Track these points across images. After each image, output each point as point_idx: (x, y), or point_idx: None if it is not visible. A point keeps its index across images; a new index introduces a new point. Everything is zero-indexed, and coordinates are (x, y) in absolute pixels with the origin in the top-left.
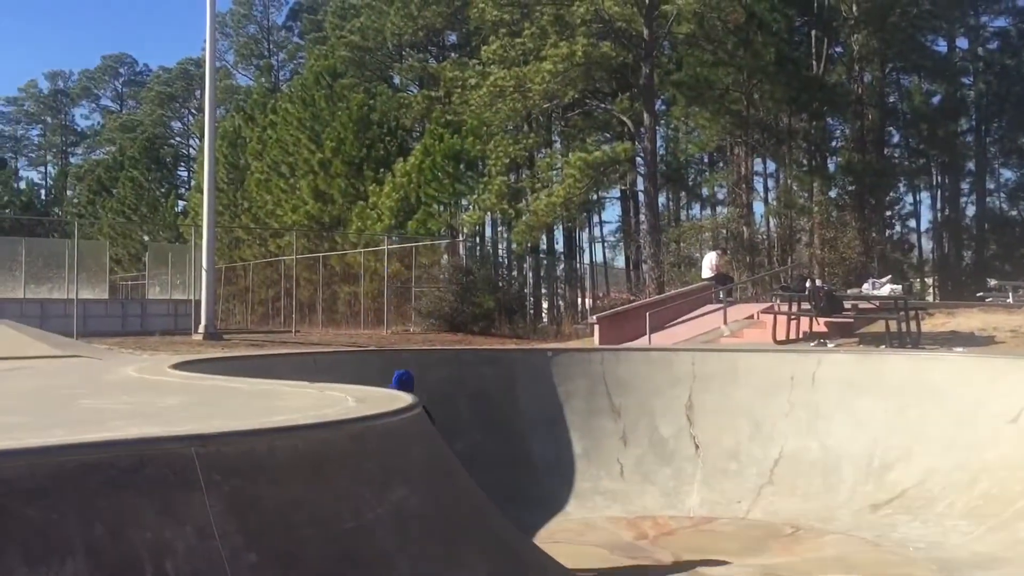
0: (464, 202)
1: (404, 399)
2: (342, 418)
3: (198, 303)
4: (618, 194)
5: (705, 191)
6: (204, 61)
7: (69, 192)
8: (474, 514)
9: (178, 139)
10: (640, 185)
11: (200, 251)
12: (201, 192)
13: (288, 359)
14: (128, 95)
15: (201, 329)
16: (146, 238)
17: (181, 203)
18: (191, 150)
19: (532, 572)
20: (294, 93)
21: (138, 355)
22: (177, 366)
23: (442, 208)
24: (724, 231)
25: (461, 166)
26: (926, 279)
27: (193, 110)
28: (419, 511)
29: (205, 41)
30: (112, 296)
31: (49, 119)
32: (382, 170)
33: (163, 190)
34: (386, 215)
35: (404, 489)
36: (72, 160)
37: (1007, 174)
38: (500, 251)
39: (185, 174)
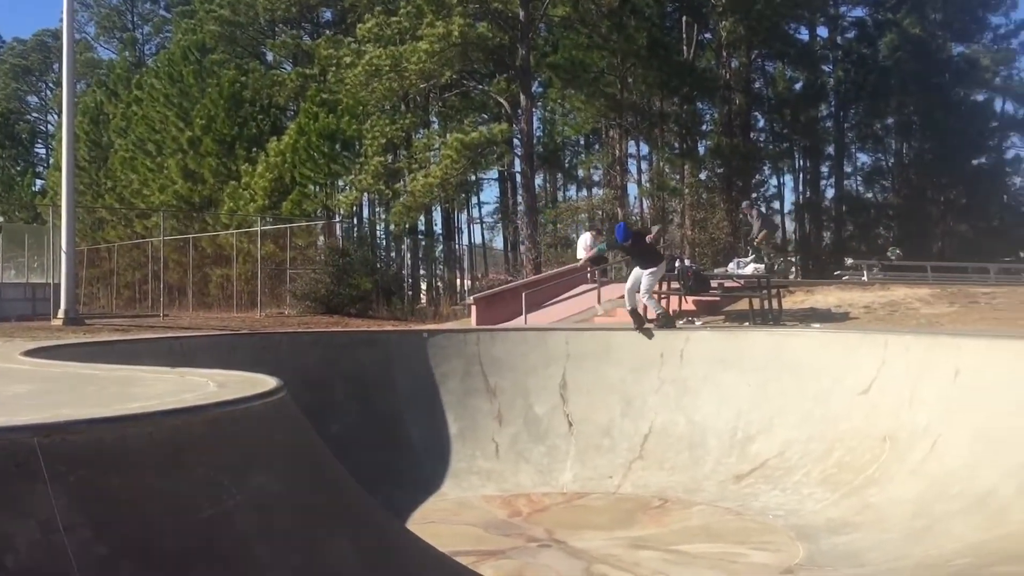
0: (340, 182)
1: (268, 383)
2: (199, 404)
3: (57, 286)
4: (496, 175)
5: (581, 172)
6: (62, 32)
7: None
8: (341, 499)
9: (35, 115)
10: (517, 166)
11: (59, 232)
12: (60, 170)
13: (153, 344)
14: None
15: (61, 314)
16: (0, 218)
17: (39, 182)
18: (49, 126)
19: (400, 554)
20: (160, 68)
21: None
22: (30, 352)
23: (318, 188)
24: (599, 212)
25: (337, 146)
26: (790, 258)
27: (51, 84)
28: (282, 497)
29: (63, 11)
30: None
31: None
32: (255, 149)
33: (19, 168)
34: (259, 195)
35: (266, 475)
36: None
37: (863, 158)
38: (378, 232)
39: (43, 151)
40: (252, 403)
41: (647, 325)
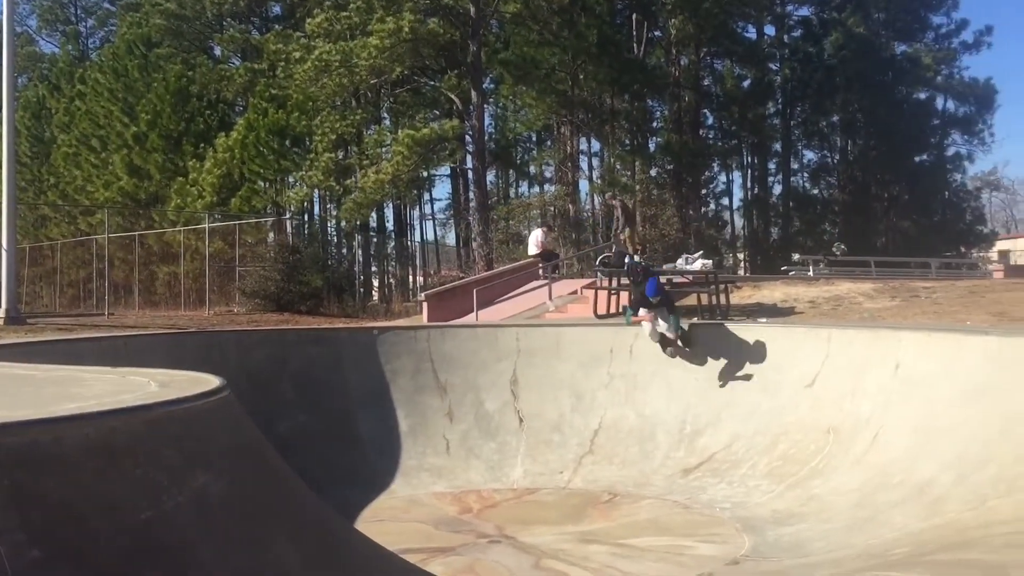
0: (290, 179)
1: (211, 382)
2: (137, 404)
3: None
4: (448, 172)
5: (532, 169)
6: (1, 26)
7: None
8: (285, 498)
9: None
10: (469, 163)
11: None
12: None
13: (97, 343)
14: None
15: (2, 313)
16: None
17: None
18: None
19: (346, 553)
20: (105, 63)
21: None
22: None
23: (267, 185)
24: (551, 208)
25: (287, 142)
26: (738, 254)
27: None
28: (224, 497)
29: (2, 4)
30: None
31: None
32: (202, 145)
33: None
34: (207, 192)
35: (207, 475)
36: None
37: (809, 155)
38: (329, 229)
39: None
40: (193, 403)
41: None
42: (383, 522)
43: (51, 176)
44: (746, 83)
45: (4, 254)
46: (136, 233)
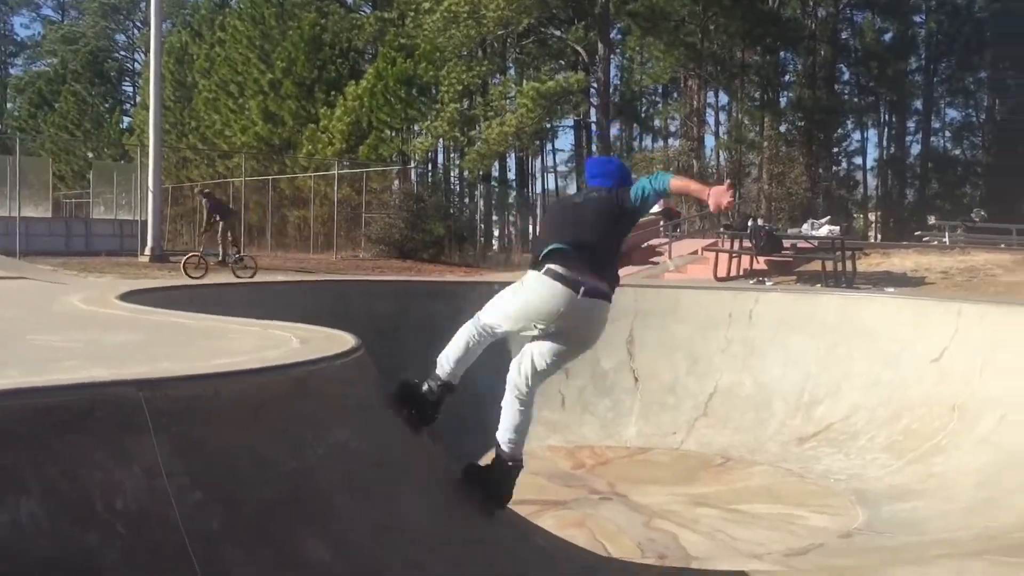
0: (416, 128)
1: (346, 341)
2: (285, 363)
3: (144, 224)
4: (571, 123)
5: (657, 123)
6: None
7: (9, 105)
8: (413, 454)
9: (123, 53)
10: (593, 116)
11: (146, 170)
12: (147, 109)
13: (237, 290)
14: (70, 4)
15: (148, 251)
16: (90, 155)
17: (126, 119)
18: (136, 65)
19: (467, 509)
20: (243, 10)
21: (83, 278)
22: (124, 296)
23: (394, 134)
24: (675, 163)
25: (414, 91)
26: (869, 216)
27: (138, 23)
28: (360, 452)
29: None
30: (55, 214)
31: None
32: (333, 93)
33: (107, 106)
34: (337, 139)
35: (344, 430)
36: (11, 72)
37: (952, 114)
38: (452, 178)
39: (130, 90)
40: (333, 362)
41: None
42: None
43: (192, 120)
44: (887, 36)
45: (151, 196)
46: (270, 177)
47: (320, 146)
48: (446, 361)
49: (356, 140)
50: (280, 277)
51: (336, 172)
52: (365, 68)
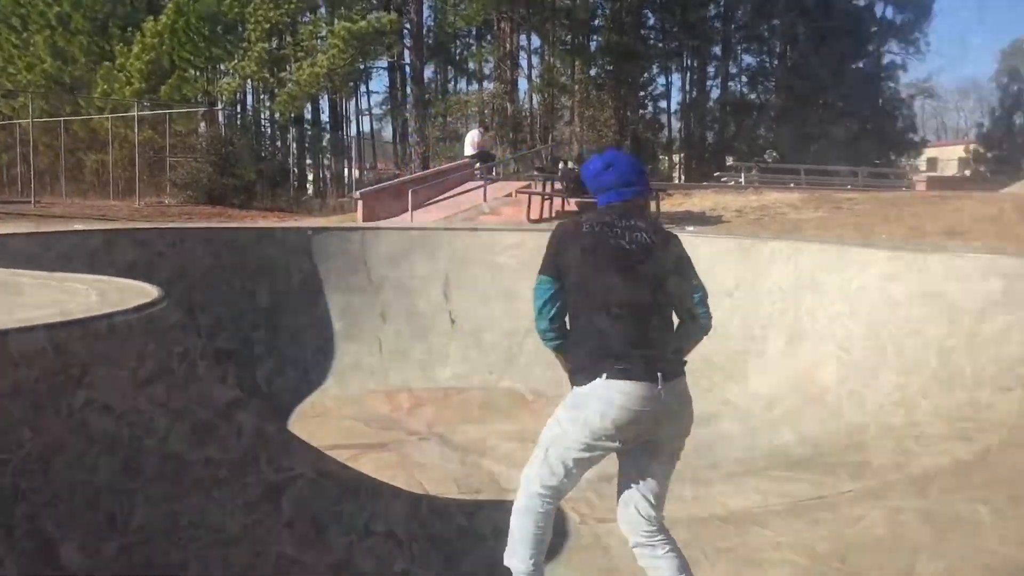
0: (223, 68)
1: (149, 293)
2: (84, 316)
3: None
4: (385, 65)
5: (472, 65)
6: None
7: None
8: (222, 403)
9: None
10: (407, 57)
11: None
12: None
13: (34, 239)
14: None
15: None
16: None
17: None
18: None
19: (280, 455)
20: None
21: None
22: None
23: (198, 73)
24: (490, 106)
25: (218, 28)
26: (673, 157)
27: None
28: (165, 405)
29: None
30: None
31: None
32: (130, 29)
33: None
34: (136, 78)
35: (157, 385)
36: None
37: (748, 59)
38: (262, 121)
39: None
40: (133, 315)
41: None
42: (317, 418)
43: None
44: None
45: None
46: (62, 119)
47: (117, 86)
48: (520, 560)
49: (157, 80)
50: (78, 226)
51: (136, 113)
52: (164, 3)
